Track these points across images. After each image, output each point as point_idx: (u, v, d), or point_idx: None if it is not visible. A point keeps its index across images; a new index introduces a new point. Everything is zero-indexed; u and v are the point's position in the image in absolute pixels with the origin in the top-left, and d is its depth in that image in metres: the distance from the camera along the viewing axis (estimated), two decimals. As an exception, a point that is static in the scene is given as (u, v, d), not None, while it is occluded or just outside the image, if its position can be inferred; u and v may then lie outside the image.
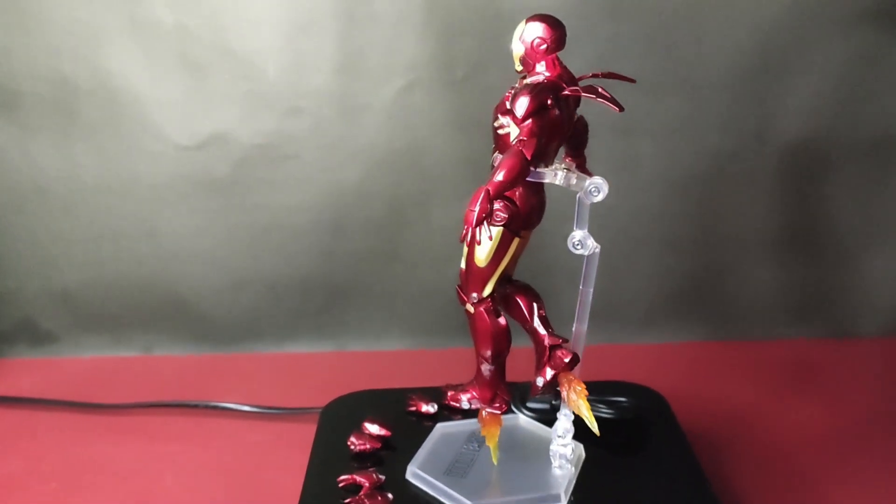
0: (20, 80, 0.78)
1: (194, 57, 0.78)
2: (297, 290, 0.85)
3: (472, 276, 0.49)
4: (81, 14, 0.76)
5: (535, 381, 0.50)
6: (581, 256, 0.49)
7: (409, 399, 0.62)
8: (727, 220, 0.82)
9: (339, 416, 0.63)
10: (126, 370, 0.84)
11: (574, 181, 0.47)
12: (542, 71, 0.47)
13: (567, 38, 0.48)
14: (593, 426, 0.49)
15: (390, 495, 0.52)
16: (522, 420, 0.59)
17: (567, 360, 0.49)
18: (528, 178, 0.46)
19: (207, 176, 0.81)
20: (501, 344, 0.50)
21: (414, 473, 0.53)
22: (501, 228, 0.48)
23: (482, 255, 0.48)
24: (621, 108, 0.45)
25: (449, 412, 0.61)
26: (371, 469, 0.54)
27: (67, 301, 0.86)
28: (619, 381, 0.65)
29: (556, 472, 0.53)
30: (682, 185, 0.81)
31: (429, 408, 0.61)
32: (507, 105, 0.46)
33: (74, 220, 0.83)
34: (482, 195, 0.44)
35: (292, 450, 0.62)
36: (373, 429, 0.59)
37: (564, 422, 0.53)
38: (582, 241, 0.48)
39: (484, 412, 0.53)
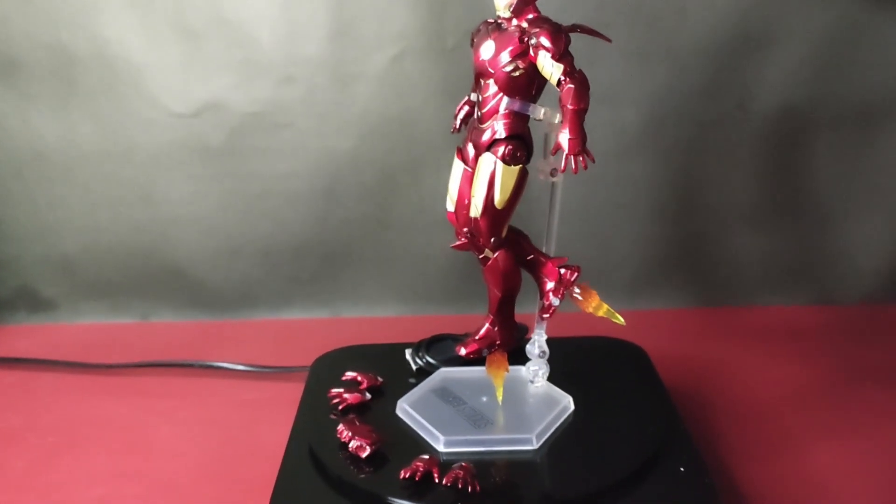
0: (19, 48, 0.79)
1: (189, 25, 0.79)
2: (290, 257, 0.86)
3: (492, 221, 0.51)
4: (79, -18, 0.77)
5: (548, 303, 0.53)
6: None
7: (332, 399, 0.58)
8: (711, 188, 0.84)
9: (328, 369, 0.65)
10: (124, 336, 0.86)
11: (552, 115, 0.50)
12: (528, 16, 0.49)
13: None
14: (620, 320, 0.53)
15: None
16: (461, 371, 0.60)
17: (576, 275, 0.53)
18: (523, 112, 0.49)
19: (203, 143, 0.82)
20: (518, 281, 0.54)
21: (449, 442, 0.52)
22: (520, 167, 0.50)
23: (503, 196, 0.50)
24: (610, 40, 0.49)
25: (375, 393, 0.59)
26: (424, 456, 0.51)
27: (66, 268, 0.87)
28: (599, 336, 0.67)
29: (544, 387, 0.57)
30: (666, 153, 0.82)
31: (352, 396, 0.58)
32: (519, 48, 0.48)
33: (72, 186, 0.84)
34: (578, 123, 0.46)
35: (283, 406, 0.64)
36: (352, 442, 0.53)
37: (539, 341, 0.56)
38: (556, 168, 0.52)
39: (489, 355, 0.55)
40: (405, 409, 0.56)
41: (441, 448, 0.52)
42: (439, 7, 0.78)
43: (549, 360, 0.58)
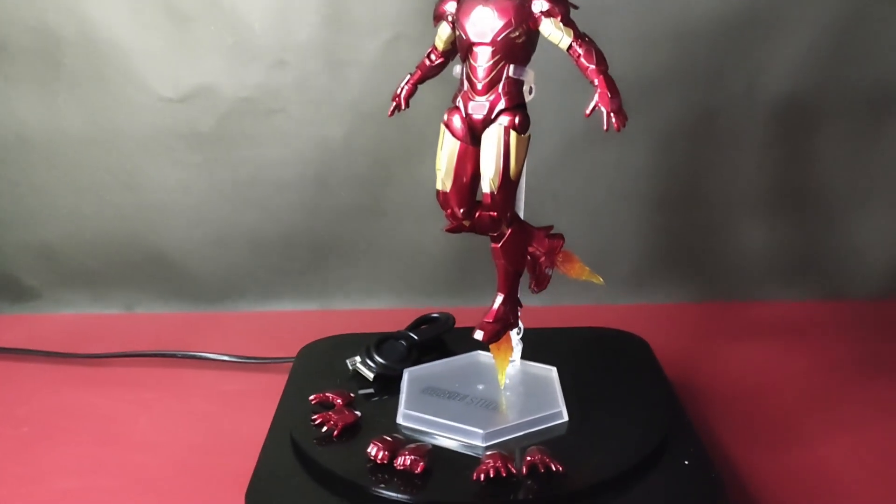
0: (3, 31, 0.79)
1: (180, 7, 0.78)
2: (280, 247, 0.86)
3: (507, 194, 0.49)
4: (66, -37, 0.77)
5: (543, 273, 0.53)
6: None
7: (322, 424, 0.52)
8: (715, 178, 0.83)
9: (313, 360, 0.63)
10: (107, 326, 0.85)
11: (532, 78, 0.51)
12: None
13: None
14: (600, 280, 0.55)
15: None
16: (426, 368, 0.59)
17: (562, 244, 0.54)
18: (519, 77, 0.49)
19: (191, 129, 0.82)
20: (527, 253, 0.53)
21: (489, 434, 0.49)
22: (528, 135, 0.49)
23: (517, 167, 0.49)
24: (577, 7, 0.49)
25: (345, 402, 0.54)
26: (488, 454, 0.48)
27: (49, 256, 0.86)
28: (599, 326, 0.66)
29: (521, 365, 0.58)
30: (668, 141, 0.81)
31: (342, 416, 0.52)
32: (522, 13, 0.48)
33: (56, 172, 0.84)
34: (611, 80, 0.46)
35: (267, 397, 0.61)
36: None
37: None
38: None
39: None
40: (414, 415, 0.52)
41: (480, 442, 0.49)
42: (435, -11, 0.77)
43: (549, 351, 0.58)
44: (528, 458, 0.46)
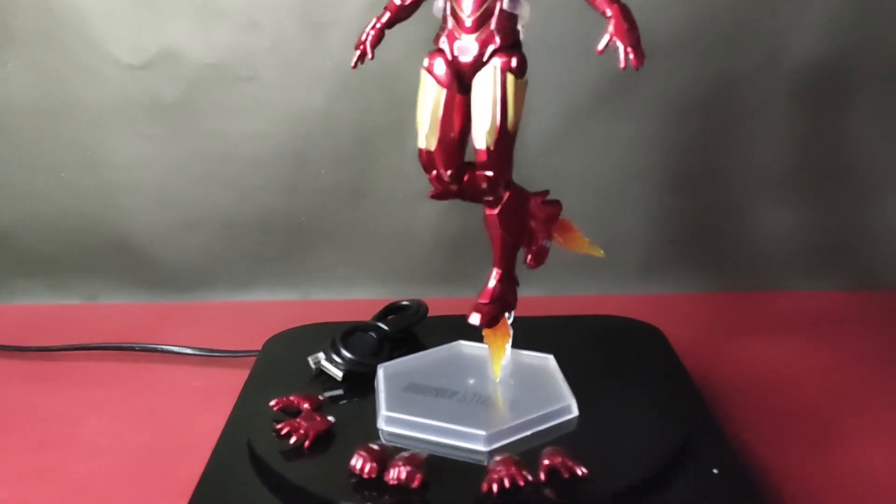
0: (-55, -12, 0.75)
1: (140, -38, 0.74)
2: (255, 230, 0.82)
3: (505, 149, 0.44)
4: (15, -85, 0.73)
5: (541, 245, 0.48)
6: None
7: (289, 435, 0.46)
8: (735, 154, 0.78)
9: (280, 352, 0.58)
10: (65, 318, 0.80)
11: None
12: None
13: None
14: (600, 252, 0.51)
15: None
16: (403, 362, 0.54)
17: (560, 211, 0.49)
18: (513, 11, 0.44)
19: (155, 99, 0.78)
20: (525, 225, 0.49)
21: (493, 437, 0.44)
22: (525, 81, 0.44)
23: (515, 116, 0.44)
24: None
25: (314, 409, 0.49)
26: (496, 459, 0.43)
27: (0, 241, 0.82)
28: (609, 315, 0.61)
29: (512, 353, 0.52)
30: (683, 113, 0.77)
31: (312, 424, 0.47)
32: None
33: (7, 147, 0.80)
34: (626, 9, 0.42)
35: (232, 395, 0.56)
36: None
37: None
38: None
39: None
40: (398, 418, 0.46)
41: (482, 447, 0.44)
42: (425, -59, 0.71)
43: (550, 342, 0.53)
44: (546, 462, 0.40)
